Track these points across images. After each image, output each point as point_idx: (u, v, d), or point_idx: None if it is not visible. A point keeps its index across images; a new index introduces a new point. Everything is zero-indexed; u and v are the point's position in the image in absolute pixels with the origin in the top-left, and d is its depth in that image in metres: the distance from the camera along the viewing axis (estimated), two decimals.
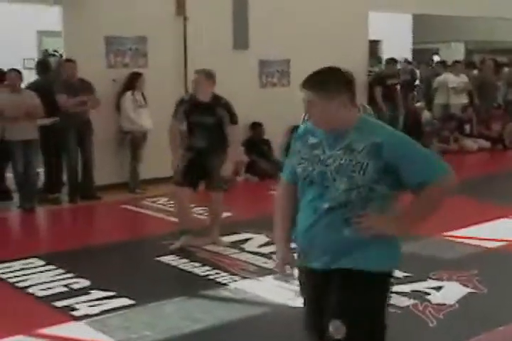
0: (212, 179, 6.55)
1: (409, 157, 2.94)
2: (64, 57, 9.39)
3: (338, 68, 3.06)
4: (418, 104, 13.45)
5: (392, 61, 12.65)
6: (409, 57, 16.59)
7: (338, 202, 2.94)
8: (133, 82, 9.08)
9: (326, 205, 2.96)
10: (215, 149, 6.47)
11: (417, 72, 15.40)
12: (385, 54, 15.59)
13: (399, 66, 13.86)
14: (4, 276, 5.81)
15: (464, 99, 13.11)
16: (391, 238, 3.03)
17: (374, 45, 14.61)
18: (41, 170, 8.84)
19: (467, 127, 13.07)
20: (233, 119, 6.51)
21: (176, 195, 6.68)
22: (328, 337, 2.95)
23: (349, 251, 2.95)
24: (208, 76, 6.48)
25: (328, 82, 2.95)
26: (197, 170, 6.48)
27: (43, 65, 9.37)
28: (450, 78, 13.01)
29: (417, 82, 15.11)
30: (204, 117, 6.42)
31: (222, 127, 6.48)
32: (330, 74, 3.00)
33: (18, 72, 8.33)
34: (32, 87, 8.78)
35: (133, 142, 9.14)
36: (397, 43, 16.41)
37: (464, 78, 13.09)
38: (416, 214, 3.09)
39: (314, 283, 3.11)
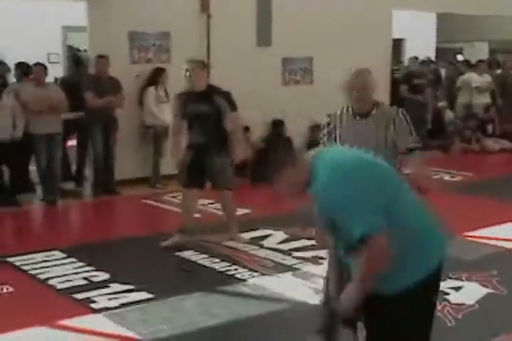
0: (216, 178, 6.47)
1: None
2: (88, 52, 9.45)
3: None
4: (441, 104, 13.39)
5: (416, 60, 12.60)
6: (433, 56, 16.47)
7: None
8: (156, 77, 9.12)
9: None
10: (214, 145, 6.32)
11: (442, 71, 15.32)
12: (409, 53, 15.51)
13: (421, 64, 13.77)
14: (26, 268, 5.87)
15: (486, 99, 13.02)
16: None
17: (398, 44, 14.55)
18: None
19: (489, 127, 12.99)
20: (233, 107, 6.36)
21: (185, 196, 6.65)
22: None
23: None
24: (203, 65, 6.41)
25: None
26: (200, 168, 6.39)
27: (75, 60, 9.42)
28: (473, 77, 12.93)
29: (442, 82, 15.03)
30: (200, 106, 6.24)
31: (221, 118, 6.31)
32: None
33: (44, 66, 8.40)
34: (62, 81, 8.87)
35: (155, 137, 9.18)
36: (421, 42, 16.32)
37: (487, 78, 13.01)
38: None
39: None
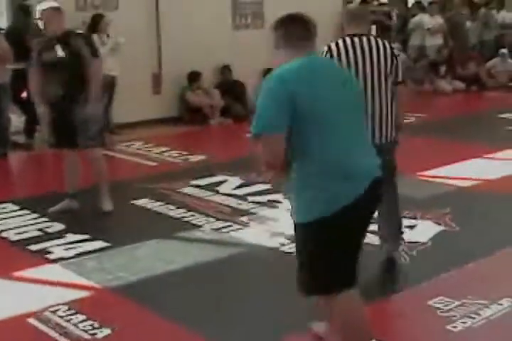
0: (81, 134, 5.75)
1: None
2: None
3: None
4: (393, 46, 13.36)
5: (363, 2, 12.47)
6: None
7: None
8: (96, 24, 8.83)
9: None
10: (75, 96, 5.68)
11: (394, 13, 15.25)
12: None
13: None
14: None
15: (439, 41, 13.03)
16: (297, 192, 3.11)
17: None
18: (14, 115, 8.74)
19: (442, 69, 13.05)
20: (94, 51, 5.76)
21: (64, 158, 6.07)
22: None
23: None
24: (58, 9, 5.80)
25: None
26: (63, 124, 5.74)
27: (23, 9, 9.15)
28: (425, 19, 12.92)
29: (392, 23, 14.98)
30: (56, 52, 5.64)
31: (79, 64, 5.66)
32: None
33: None
34: (7, 31, 8.63)
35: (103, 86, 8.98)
36: None
37: (439, 19, 13.00)
38: None
39: None
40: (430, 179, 6.89)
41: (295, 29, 3.15)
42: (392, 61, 4.51)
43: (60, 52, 5.65)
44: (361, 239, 3.24)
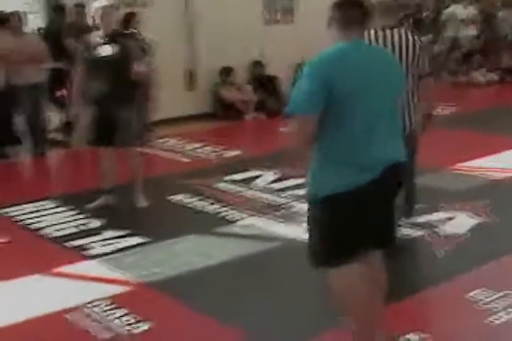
0: (125, 133, 5.80)
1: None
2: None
3: None
4: (425, 38, 13.25)
5: None
6: None
7: None
8: (129, 22, 8.86)
9: None
10: (120, 95, 5.70)
11: (426, 5, 15.12)
12: None
13: None
14: (18, 218, 5.87)
15: (472, 31, 12.90)
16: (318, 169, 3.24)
17: None
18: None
19: (476, 60, 12.90)
20: (142, 52, 5.88)
21: (101, 155, 6.03)
22: None
23: None
24: (113, 7, 5.82)
25: None
26: (106, 122, 5.76)
27: (55, 8, 9.24)
28: (459, 10, 12.79)
29: (425, 15, 14.86)
30: (106, 50, 5.66)
31: (127, 64, 5.65)
32: None
33: (20, 14, 8.23)
34: (43, 30, 8.74)
35: None
36: None
37: (472, 10, 12.86)
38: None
39: None
40: (466, 171, 6.83)
41: (347, 12, 3.20)
42: (415, 52, 4.60)
43: (109, 50, 5.66)
44: (372, 221, 3.26)
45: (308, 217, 3.35)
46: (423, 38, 12.96)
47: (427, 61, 4.68)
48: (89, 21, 5.70)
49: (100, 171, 6.13)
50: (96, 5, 5.73)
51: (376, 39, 4.53)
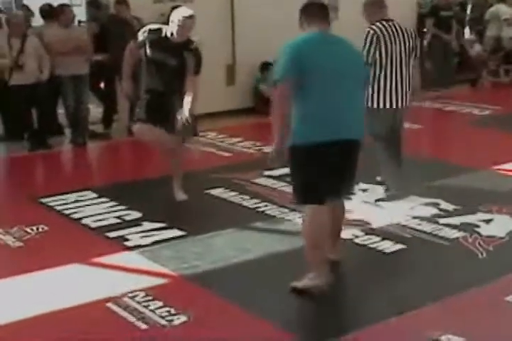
0: (175, 125, 5.86)
1: None
2: None
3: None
4: (468, 37, 13.14)
5: None
6: None
7: None
8: None
9: None
10: (173, 94, 5.87)
11: (468, 4, 14.96)
12: None
13: None
14: (59, 208, 5.96)
15: None
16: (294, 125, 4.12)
17: None
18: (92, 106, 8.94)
19: None
20: (198, 66, 5.91)
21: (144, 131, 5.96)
22: None
23: None
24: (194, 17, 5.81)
25: None
26: (160, 107, 5.90)
27: (93, 4, 9.37)
28: (502, 9, 12.63)
29: (468, 15, 14.71)
30: (171, 57, 5.79)
31: (184, 72, 5.84)
32: None
33: (71, 8, 8.40)
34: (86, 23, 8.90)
35: None
36: None
37: None
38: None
39: None
40: (505, 173, 6.76)
41: (313, 11, 4.35)
42: (413, 41, 5.77)
43: (173, 59, 5.78)
44: (331, 172, 4.17)
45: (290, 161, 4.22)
46: (465, 38, 13.01)
47: (419, 49, 5.92)
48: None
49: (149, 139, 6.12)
50: (180, 13, 5.75)
51: (387, 29, 5.68)
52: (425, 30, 11.85)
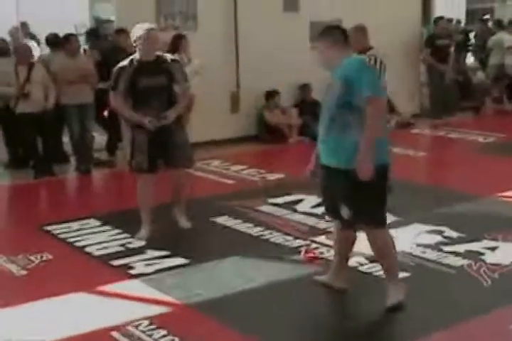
0: (180, 155, 5.86)
1: None
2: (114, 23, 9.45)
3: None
4: (471, 64, 13.21)
5: (440, 20, 12.30)
6: (463, 17, 16.22)
7: None
8: (176, 44, 8.97)
9: None
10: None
11: (472, 32, 15.08)
12: (438, 13, 15.26)
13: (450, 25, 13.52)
14: (63, 236, 5.96)
15: None
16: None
17: (428, 4, 14.27)
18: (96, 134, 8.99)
19: None
20: (185, 77, 5.81)
21: (144, 182, 5.98)
22: None
23: None
24: (155, 30, 5.72)
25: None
26: (160, 146, 5.77)
27: (93, 33, 9.49)
28: (505, 38, 12.71)
29: (471, 43, 14.81)
30: (155, 78, 5.66)
31: (172, 89, 5.77)
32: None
33: (77, 36, 8.50)
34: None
35: None
36: (451, 2, 16.06)
37: None
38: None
39: None
40: (510, 200, 6.75)
41: (345, 35, 4.40)
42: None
43: (157, 77, 5.66)
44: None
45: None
46: (468, 66, 13.06)
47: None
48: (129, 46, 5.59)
49: (141, 199, 6.03)
50: (138, 28, 5.65)
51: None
52: (421, 58, 11.90)
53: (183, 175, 6.08)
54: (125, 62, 5.73)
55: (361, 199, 4.19)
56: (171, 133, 5.78)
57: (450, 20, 13.41)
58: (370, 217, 4.28)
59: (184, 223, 6.09)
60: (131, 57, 5.76)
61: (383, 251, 4.38)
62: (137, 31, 5.65)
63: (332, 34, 4.34)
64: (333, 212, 4.48)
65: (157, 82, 5.69)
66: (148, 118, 5.65)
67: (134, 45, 5.69)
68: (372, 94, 4.05)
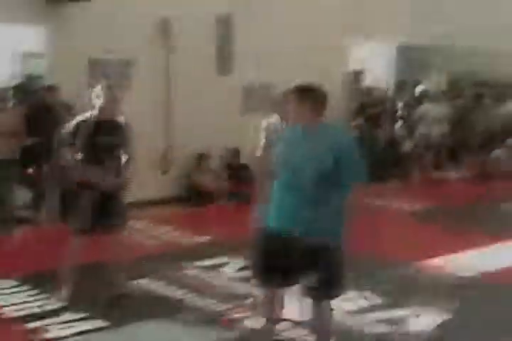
0: (120, 216, 5.81)
1: None
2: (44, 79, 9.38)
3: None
4: (399, 133, 13.52)
5: (370, 90, 12.63)
6: (392, 88, 16.64)
7: None
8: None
9: None
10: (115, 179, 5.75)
11: (399, 102, 15.46)
12: (368, 84, 15.66)
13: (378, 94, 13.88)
14: None
15: (444, 129, 13.15)
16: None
17: (357, 75, 14.64)
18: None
19: (446, 156, 13.16)
20: (131, 139, 5.85)
21: (76, 245, 5.79)
22: None
23: None
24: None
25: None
26: (106, 207, 5.67)
27: (21, 90, 9.40)
28: (430, 108, 13.08)
29: (398, 112, 15.18)
30: (112, 137, 5.67)
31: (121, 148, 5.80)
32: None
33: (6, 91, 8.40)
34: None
35: None
36: (380, 74, 16.50)
37: (444, 108, 13.18)
38: None
39: None
40: (434, 267, 6.82)
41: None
42: None
43: (114, 137, 5.67)
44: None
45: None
46: (397, 134, 13.35)
47: None
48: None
49: (70, 259, 5.83)
50: (101, 87, 5.64)
51: None
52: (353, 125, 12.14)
53: (119, 236, 5.94)
54: (82, 118, 5.69)
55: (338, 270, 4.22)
56: (116, 196, 5.75)
57: (379, 90, 13.76)
58: (338, 287, 4.29)
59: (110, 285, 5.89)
60: (88, 113, 5.72)
61: (327, 322, 4.36)
62: (98, 90, 5.64)
63: (320, 96, 4.23)
64: (285, 279, 4.25)
65: (113, 142, 5.69)
66: (103, 177, 5.61)
67: (93, 102, 5.67)
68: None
